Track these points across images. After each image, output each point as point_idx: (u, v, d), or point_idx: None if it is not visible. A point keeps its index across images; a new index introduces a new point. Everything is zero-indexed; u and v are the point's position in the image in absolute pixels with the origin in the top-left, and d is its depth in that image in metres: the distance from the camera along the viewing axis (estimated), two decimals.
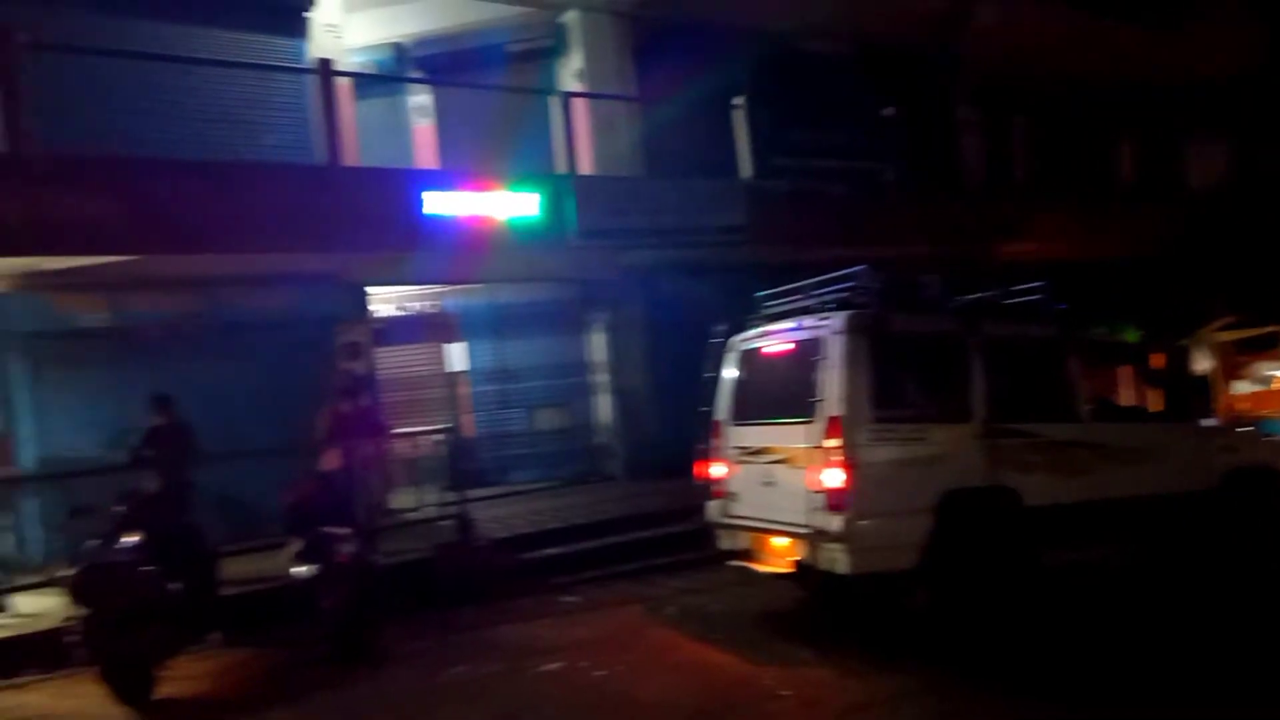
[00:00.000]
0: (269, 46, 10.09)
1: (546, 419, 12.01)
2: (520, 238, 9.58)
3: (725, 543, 6.83)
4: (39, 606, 7.03)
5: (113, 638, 5.77)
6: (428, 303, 11.58)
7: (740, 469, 6.65)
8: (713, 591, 7.43)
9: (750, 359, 6.86)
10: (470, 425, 11.59)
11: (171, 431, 7.83)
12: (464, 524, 8.29)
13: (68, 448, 8.59)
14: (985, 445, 6.13)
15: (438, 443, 9.65)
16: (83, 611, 5.87)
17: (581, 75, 11.51)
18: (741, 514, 6.60)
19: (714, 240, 10.42)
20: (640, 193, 10.43)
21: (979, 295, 6.81)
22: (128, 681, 5.75)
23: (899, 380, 6.10)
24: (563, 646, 6.39)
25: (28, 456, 8.43)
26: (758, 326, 6.88)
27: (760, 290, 7.16)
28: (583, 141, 10.93)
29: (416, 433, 9.89)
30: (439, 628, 7.04)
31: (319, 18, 10.49)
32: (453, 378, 11.75)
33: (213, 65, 9.48)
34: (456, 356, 11.82)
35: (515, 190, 9.61)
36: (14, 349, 8.58)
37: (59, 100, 8.33)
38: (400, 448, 9.41)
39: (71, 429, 8.67)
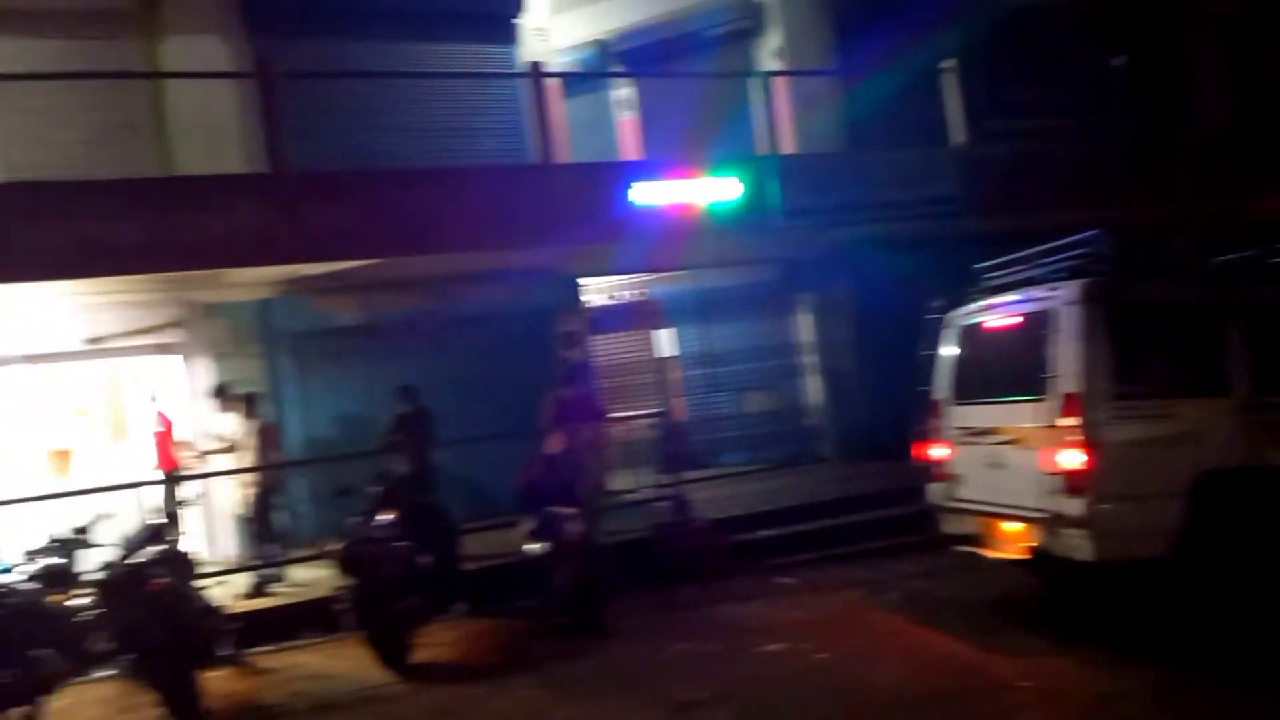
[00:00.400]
0: (484, 56, 10.75)
1: (755, 401, 12.05)
2: (725, 222, 9.62)
3: (950, 527, 6.60)
4: (312, 577, 7.88)
5: (375, 606, 6.39)
6: (637, 291, 11.90)
7: (964, 450, 6.40)
8: (936, 576, 7.21)
9: (971, 335, 6.57)
10: (681, 409, 11.83)
11: (416, 418, 8.55)
12: (680, 505, 8.49)
13: (328, 434, 9.59)
14: (1247, 421, 5.56)
15: (651, 426, 9.94)
16: (349, 582, 6.55)
17: (781, 53, 11.39)
18: (967, 497, 6.36)
19: (924, 213, 10.02)
20: (845, 169, 10.21)
21: (1235, 256, 6.18)
22: (388, 646, 6.35)
23: (1142, 353, 5.63)
24: (783, 627, 6.43)
25: (295, 442, 9.43)
26: (978, 300, 6.57)
27: (978, 262, 6.82)
28: (784, 121, 10.81)
29: (631, 417, 10.22)
30: (660, 605, 7.28)
31: (528, 23, 11.01)
32: (663, 363, 12.03)
33: (437, 78, 10.23)
34: (666, 342, 12.09)
35: (718, 175, 9.65)
36: (281, 347, 9.64)
37: (309, 122, 9.26)
38: (616, 432, 9.76)
39: (331, 417, 9.66)
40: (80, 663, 5.79)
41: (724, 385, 12.08)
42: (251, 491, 8.30)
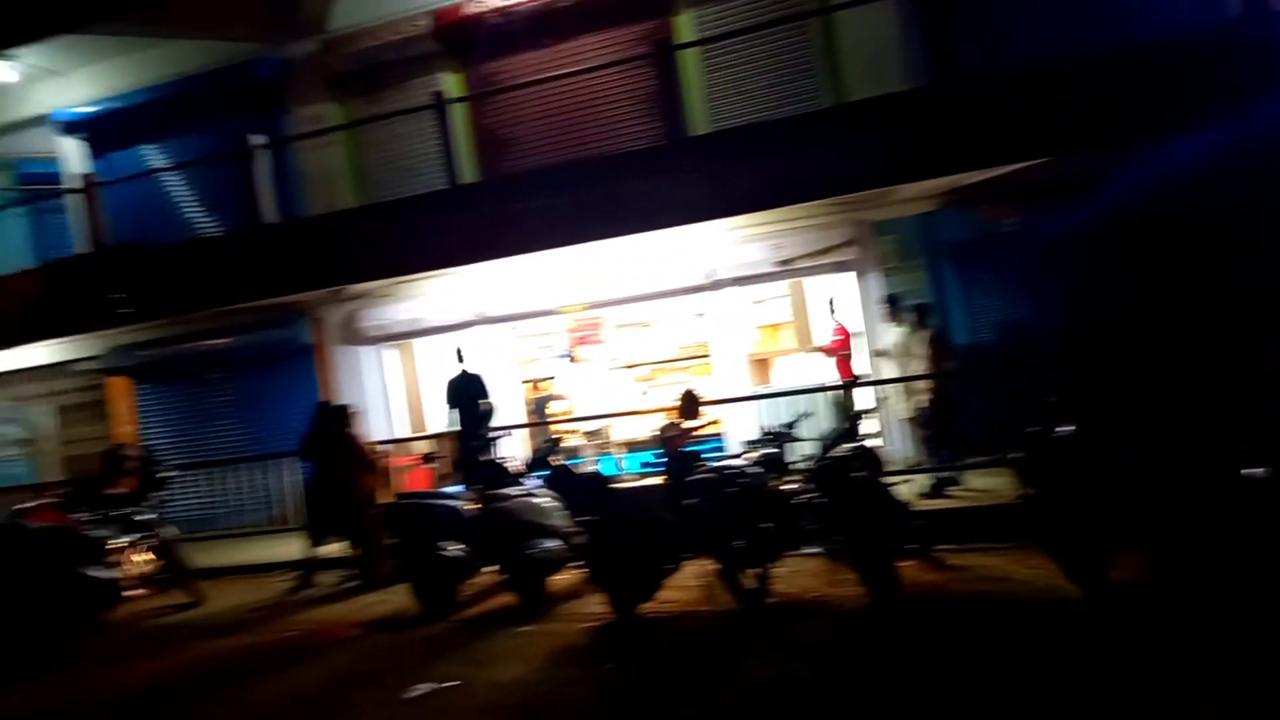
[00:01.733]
0: None
1: None
2: None
3: None
4: (989, 484, 8.01)
5: (1056, 519, 6.20)
6: None
7: None
8: None
9: None
10: None
11: (1086, 328, 7.98)
12: None
13: (992, 342, 9.52)
14: None
15: None
16: (1028, 492, 6.47)
17: None
18: None
19: None
20: None
21: None
22: (1074, 560, 6.11)
23: None
24: None
25: (961, 350, 9.42)
26: None
27: None
28: None
29: None
30: None
31: None
32: None
33: None
34: None
35: None
36: (944, 258, 9.79)
37: (975, 27, 8.91)
38: None
39: (994, 325, 9.56)
40: (794, 539, 6.78)
41: None
42: (925, 398, 8.67)
